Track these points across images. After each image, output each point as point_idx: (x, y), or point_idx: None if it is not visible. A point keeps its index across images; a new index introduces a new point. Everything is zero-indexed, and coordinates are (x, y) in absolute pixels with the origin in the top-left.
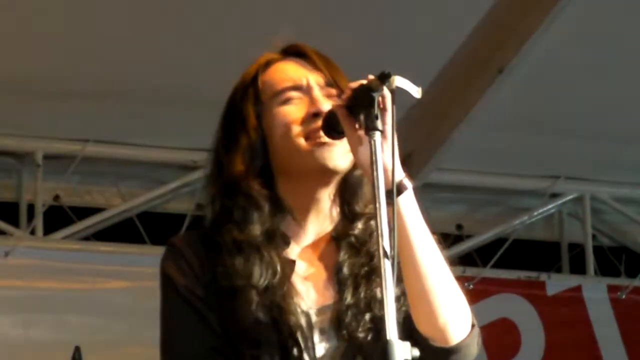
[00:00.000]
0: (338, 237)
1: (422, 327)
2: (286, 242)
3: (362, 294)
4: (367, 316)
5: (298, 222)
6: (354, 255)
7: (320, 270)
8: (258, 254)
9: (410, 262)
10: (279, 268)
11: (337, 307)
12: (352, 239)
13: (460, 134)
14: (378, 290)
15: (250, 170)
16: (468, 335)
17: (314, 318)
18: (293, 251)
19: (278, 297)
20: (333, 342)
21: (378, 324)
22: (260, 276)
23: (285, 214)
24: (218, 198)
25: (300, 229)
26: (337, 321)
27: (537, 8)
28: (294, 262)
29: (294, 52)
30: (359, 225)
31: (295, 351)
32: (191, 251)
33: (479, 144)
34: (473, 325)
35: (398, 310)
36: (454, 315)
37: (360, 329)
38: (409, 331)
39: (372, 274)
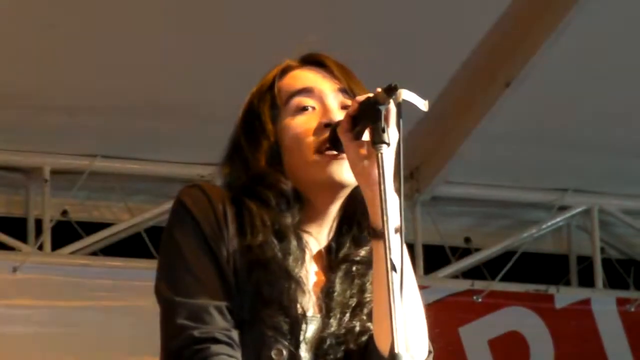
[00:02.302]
0: (337, 257)
1: (382, 346)
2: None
3: (344, 325)
4: (342, 347)
5: (304, 227)
6: (347, 283)
7: (315, 280)
8: (297, 241)
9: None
10: (307, 259)
11: (321, 326)
12: (353, 266)
13: (468, 147)
14: (358, 324)
15: (273, 167)
16: None
17: (307, 325)
18: None
19: (298, 291)
20: (311, 357)
21: (349, 356)
22: (295, 263)
23: (300, 214)
24: (244, 183)
25: (305, 236)
26: (319, 342)
27: (543, 21)
28: (306, 262)
29: (313, 61)
30: (363, 252)
31: (294, 344)
32: (220, 205)
33: (486, 157)
34: (430, 352)
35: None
36: (414, 338)
37: (335, 358)
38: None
39: (358, 307)
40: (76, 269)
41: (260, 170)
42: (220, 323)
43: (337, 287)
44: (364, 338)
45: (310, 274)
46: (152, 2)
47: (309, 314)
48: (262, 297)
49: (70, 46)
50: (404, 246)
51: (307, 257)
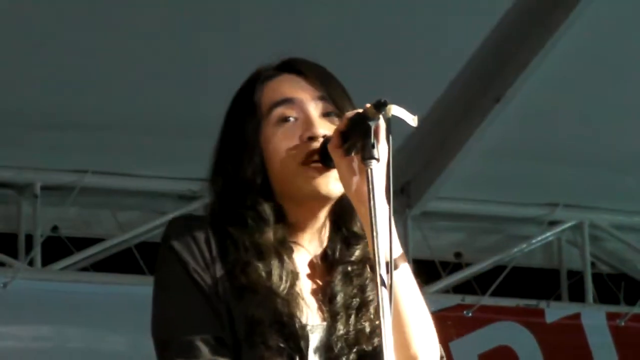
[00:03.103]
0: (333, 261)
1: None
2: (292, 252)
3: (352, 327)
4: (355, 349)
5: (294, 239)
6: (347, 285)
7: (312, 288)
8: (278, 258)
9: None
10: (297, 272)
11: (328, 332)
12: (349, 267)
13: (458, 163)
14: (367, 324)
15: (254, 184)
16: None
17: (310, 335)
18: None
19: (292, 306)
20: None
21: (363, 356)
22: (280, 281)
23: (286, 227)
24: (227, 203)
25: (296, 247)
26: (329, 347)
27: (533, 37)
28: (298, 274)
29: (290, 68)
30: (356, 252)
31: (297, 358)
32: (202, 237)
33: (477, 172)
34: (442, 357)
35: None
36: (424, 347)
37: None
38: None
39: (363, 307)
40: (67, 284)
41: (239, 190)
42: (208, 355)
43: (338, 290)
44: (377, 339)
45: (305, 284)
46: (145, 19)
47: (312, 323)
48: (254, 320)
49: (60, 62)
50: (404, 257)
51: (300, 268)
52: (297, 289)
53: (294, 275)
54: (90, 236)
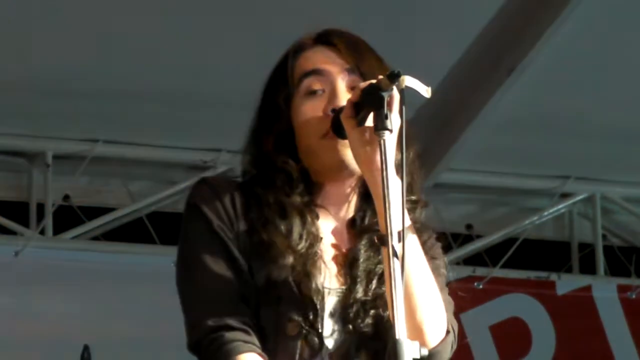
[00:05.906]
0: (360, 229)
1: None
2: (318, 217)
3: (371, 292)
4: (372, 312)
5: (321, 206)
6: (372, 251)
7: (335, 254)
8: (300, 217)
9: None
10: (319, 235)
11: (347, 295)
12: (374, 235)
13: (470, 134)
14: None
15: (284, 151)
16: (442, 342)
17: (326, 297)
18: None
19: (309, 265)
20: (339, 327)
21: (380, 322)
22: (299, 239)
23: (313, 192)
24: (258, 168)
25: (322, 212)
26: (345, 310)
27: (546, 8)
28: (319, 237)
29: (325, 40)
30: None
31: (311, 316)
32: (227, 195)
33: (489, 144)
34: (448, 332)
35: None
36: (428, 316)
37: (364, 324)
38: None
39: (384, 274)
40: (78, 253)
41: (267, 153)
42: (233, 311)
43: (362, 255)
44: None
45: (327, 249)
46: None
47: (329, 286)
48: (270, 276)
49: (71, 31)
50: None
51: (325, 233)
52: (317, 250)
53: (315, 237)
54: (102, 205)
